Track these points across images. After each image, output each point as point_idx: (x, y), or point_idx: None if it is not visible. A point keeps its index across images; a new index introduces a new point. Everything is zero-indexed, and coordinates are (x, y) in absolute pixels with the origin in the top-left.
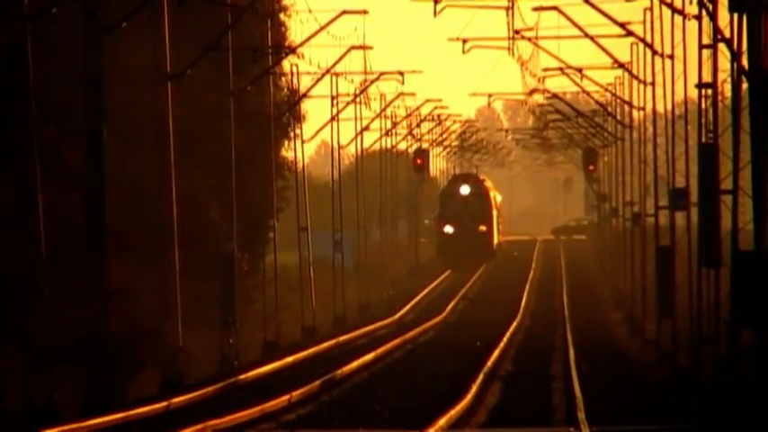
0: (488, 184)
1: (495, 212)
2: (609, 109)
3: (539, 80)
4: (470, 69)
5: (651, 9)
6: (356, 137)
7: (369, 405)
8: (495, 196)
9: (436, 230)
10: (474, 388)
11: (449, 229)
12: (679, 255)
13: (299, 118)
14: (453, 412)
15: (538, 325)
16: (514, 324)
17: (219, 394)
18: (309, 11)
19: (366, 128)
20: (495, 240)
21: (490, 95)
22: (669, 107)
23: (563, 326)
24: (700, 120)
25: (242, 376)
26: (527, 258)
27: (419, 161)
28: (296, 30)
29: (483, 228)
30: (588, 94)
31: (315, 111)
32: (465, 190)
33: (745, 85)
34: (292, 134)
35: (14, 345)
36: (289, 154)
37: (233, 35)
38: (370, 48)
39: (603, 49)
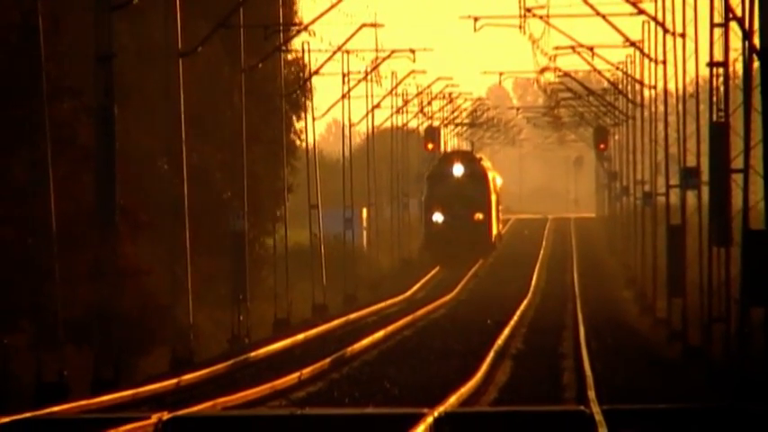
0: (486, 163)
1: (494, 197)
2: (620, 87)
3: (550, 58)
4: (482, 47)
5: None
6: (367, 114)
7: (379, 383)
8: (495, 178)
9: (423, 219)
10: (484, 366)
11: (438, 217)
12: (690, 233)
13: (309, 95)
14: (464, 390)
15: (548, 303)
16: (525, 302)
17: (230, 371)
18: None
19: (377, 105)
20: (494, 231)
21: (501, 74)
22: (680, 86)
23: (573, 304)
24: (711, 98)
25: (252, 354)
26: (537, 237)
27: (430, 146)
28: (307, 7)
29: (479, 216)
30: (599, 72)
31: (326, 88)
32: (458, 170)
33: (756, 64)
34: (303, 113)
35: (25, 322)
36: (299, 127)
37: (244, 12)
38: (382, 25)
39: (615, 28)
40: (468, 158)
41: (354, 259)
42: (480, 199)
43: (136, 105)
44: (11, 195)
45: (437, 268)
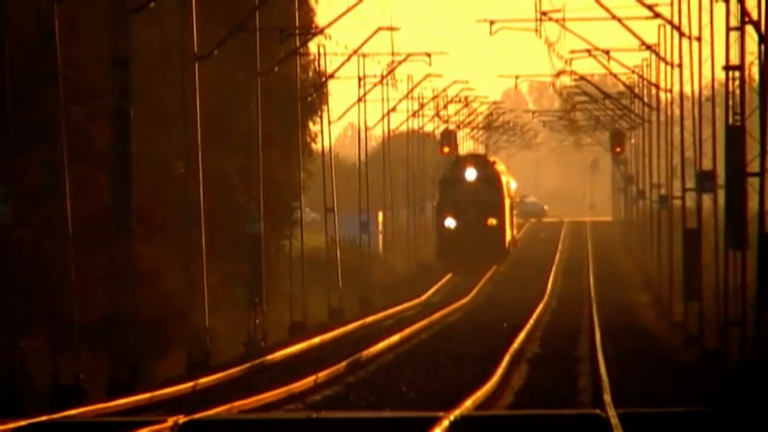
0: (500, 167)
1: (507, 202)
2: (636, 91)
3: (566, 62)
4: (498, 51)
5: None
6: (383, 118)
7: (395, 386)
8: (509, 182)
9: (435, 224)
10: (500, 369)
11: (450, 222)
12: (705, 237)
13: (325, 99)
14: (479, 393)
15: (564, 306)
16: (541, 305)
17: (246, 375)
18: None
19: (393, 109)
20: (508, 236)
21: (517, 77)
22: (696, 89)
23: (589, 307)
24: (727, 102)
25: (268, 357)
26: (554, 240)
27: (447, 149)
28: (323, 10)
29: (493, 221)
30: (615, 76)
31: (342, 92)
32: (471, 175)
33: None
34: (318, 117)
35: (41, 325)
36: (315, 128)
37: (260, 16)
38: (398, 29)
39: (631, 31)
40: (481, 162)
41: (370, 263)
42: (494, 204)
43: (152, 108)
44: (27, 198)
45: (451, 272)
